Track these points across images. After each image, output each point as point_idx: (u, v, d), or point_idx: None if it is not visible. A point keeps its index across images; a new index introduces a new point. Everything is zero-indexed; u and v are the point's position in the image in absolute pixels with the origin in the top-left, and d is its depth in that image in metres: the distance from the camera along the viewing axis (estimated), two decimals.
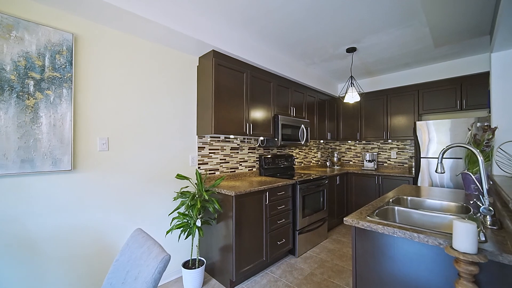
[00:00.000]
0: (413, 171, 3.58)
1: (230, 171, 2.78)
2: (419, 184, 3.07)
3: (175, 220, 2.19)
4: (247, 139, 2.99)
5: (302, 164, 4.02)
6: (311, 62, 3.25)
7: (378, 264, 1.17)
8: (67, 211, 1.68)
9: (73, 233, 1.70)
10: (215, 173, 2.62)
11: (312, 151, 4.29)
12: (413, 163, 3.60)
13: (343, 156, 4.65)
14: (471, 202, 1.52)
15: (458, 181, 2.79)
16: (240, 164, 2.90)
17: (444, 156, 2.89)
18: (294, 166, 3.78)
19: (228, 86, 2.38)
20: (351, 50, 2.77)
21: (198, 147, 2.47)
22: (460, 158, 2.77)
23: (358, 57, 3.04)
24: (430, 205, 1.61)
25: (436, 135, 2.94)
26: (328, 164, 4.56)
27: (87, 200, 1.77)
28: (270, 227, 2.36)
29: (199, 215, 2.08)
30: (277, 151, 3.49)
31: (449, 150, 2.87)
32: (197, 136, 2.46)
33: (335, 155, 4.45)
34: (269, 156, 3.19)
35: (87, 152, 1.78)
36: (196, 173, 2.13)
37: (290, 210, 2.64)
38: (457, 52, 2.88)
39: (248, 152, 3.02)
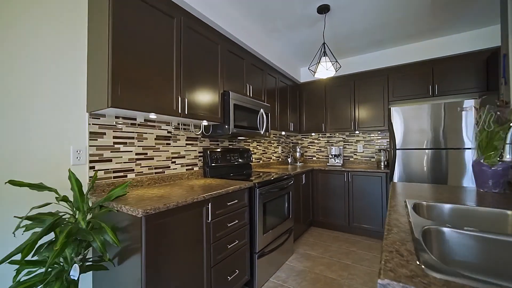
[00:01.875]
0: (382, 166, 3.20)
1: (156, 173, 1.83)
2: (395, 180, 2.65)
3: (23, 273, 1.15)
4: (184, 124, 2.08)
5: (261, 161, 3.29)
6: (273, 28, 2.52)
7: None
8: None
9: None
10: (127, 176, 1.63)
11: (272, 145, 3.60)
12: (382, 157, 3.23)
13: (306, 151, 4.11)
14: None
15: (438, 176, 2.43)
16: (174, 162, 1.97)
17: (424, 147, 2.51)
18: (251, 164, 3.01)
19: (145, 35, 1.44)
20: (323, 9, 2.13)
21: (91, 132, 1.45)
22: (441, 149, 2.41)
23: (329, 24, 2.44)
24: (474, 216, 1.01)
25: (415, 122, 2.55)
26: (289, 161, 3.95)
27: None
28: (215, 257, 1.51)
29: (77, 256, 1.10)
30: (229, 144, 2.66)
31: (428, 139, 2.50)
32: (87, 113, 1.44)
33: (298, 150, 3.86)
34: (218, 150, 2.33)
35: None
36: (70, 178, 1.14)
37: (247, 225, 1.84)
38: (435, 28, 2.53)
39: (187, 144, 2.11)
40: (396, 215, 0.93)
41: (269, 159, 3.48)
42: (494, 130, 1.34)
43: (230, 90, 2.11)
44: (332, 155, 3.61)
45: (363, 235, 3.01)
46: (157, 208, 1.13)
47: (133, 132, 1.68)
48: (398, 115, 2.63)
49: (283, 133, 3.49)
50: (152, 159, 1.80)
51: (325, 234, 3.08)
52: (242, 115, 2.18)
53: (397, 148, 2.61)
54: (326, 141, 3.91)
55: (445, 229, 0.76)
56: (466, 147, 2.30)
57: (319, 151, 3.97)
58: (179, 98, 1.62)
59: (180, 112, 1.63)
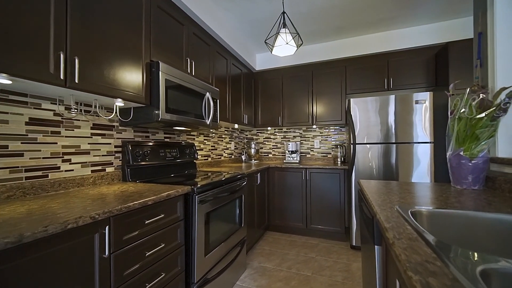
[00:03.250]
0: (339, 162, 3.06)
1: (28, 178, 1.15)
2: (353, 177, 2.47)
3: None
4: (85, 105, 1.41)
5: (210, 159, 2.77)
6: None
7: None
8: None
9: None
10: None
11: (224, 140, 3.12)
12: (338, 153, 3.09)
13: (262, 148, 3.75)
14: None
15: (389, 171, 2.33)
16: (67, 160, 1.31)
17: (384, 142, 2.38)
18: (196, 162, 2.47)
19: None
20: None
21: None
22: (391, 143, 2.32)
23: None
24: (487, 227, 0.73)
25: (374, 115, 2.40)
26: (243, 158, 3.53)
27: None
28: None
29: None
30: (166, 136, 2.07)
31: (378, 134, 2.37)
32: None
33: (252, 146, 3.47)
34: (149, 143, 1.73)
35: None
36: None
37: (181, 246, 1.32)
38: (392, 18, 2.43)
39: (93, 135, 1.45)
40: (407, 240, 0.56)
41: (219, 156, 2.98)
42: (475, 117, 1.15)
43: (162, 61, 1.53)
44: (289, 151, 3.33)
45: (321, 237, 2.79)
46: None
47: None
48: (357, 107, 2.46)
49: (236, 126, 3.04)
50: (21, 155, 1.12)
51: (282, 239, 2.76)
52: (180, 97, 1.64)
53: (356, 142, 2.44)
54: (282, 137, 3.62)
55: None
56: (420, 141, 2.24)
57: (275, 147, 3.66)
58: (61, 56, 1.00)
59: (64, 79, 1.01)
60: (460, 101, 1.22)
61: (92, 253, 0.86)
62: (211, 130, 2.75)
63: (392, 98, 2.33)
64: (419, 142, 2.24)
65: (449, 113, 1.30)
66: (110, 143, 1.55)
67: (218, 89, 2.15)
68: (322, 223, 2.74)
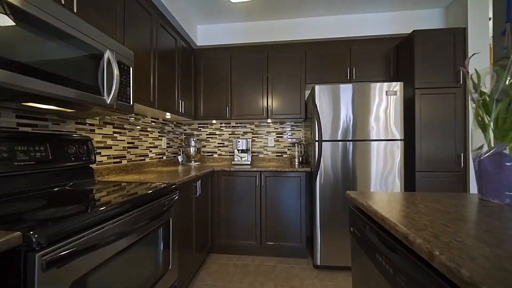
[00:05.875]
0: (296, 163, 2.62)
1: None
2: (318, 181, 2.03)
3: None
4: None
5: (125, 161, 1.89)
6: None
7: None
8: None
9: None
10: None
11: (151, 135, 2.26)
12: (296, 153, 2.66)
13: (204, 146, 3.02)
14: None
15: (357, 172, 1.99)
16: None
17: (337, 139, 2.01)
18: (96, 167, 1.58)
19: None
20: None
21: None
22: (362, 141, 1.99)
23: None
24: None
25: (344, 107, 2.01)
26: (180, 160, 2.73)
27: None
28: None
29: None
30: (23, 123, 1.14)
31: (345, 129, 2.01)
32: None
33: (192, 143, 2.71)
34: None
35: None
36: None
37: None
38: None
39: None
40: None
41: (143, 158, 2.12)
42: None
43: None
44: (238, 150, 2.71)
45: (278, 256, 2.27)
46: None
47: None
48: (323, 97, 2.03)
49: (168, 116, 2.25)
50: None
51: (231, 265, 2.12)
52: (38, 45, 0.80)
53: (323, 139, 2.01)
54: (230, 133, 2.98)
55: None
56: (391, 138, 1.97)
57: (221, 145, 2.99)
58: None
59: None
60: (495, 76, 0.84)
61: None
62: (120, 117, 1.88)
63: (361, 87, 1.99)
64: (394, 140, 1.96)
65: (469, 98, 0.92)
66: None
67: (131, 52, 1.35)
68: (280, 238, 2.23)
